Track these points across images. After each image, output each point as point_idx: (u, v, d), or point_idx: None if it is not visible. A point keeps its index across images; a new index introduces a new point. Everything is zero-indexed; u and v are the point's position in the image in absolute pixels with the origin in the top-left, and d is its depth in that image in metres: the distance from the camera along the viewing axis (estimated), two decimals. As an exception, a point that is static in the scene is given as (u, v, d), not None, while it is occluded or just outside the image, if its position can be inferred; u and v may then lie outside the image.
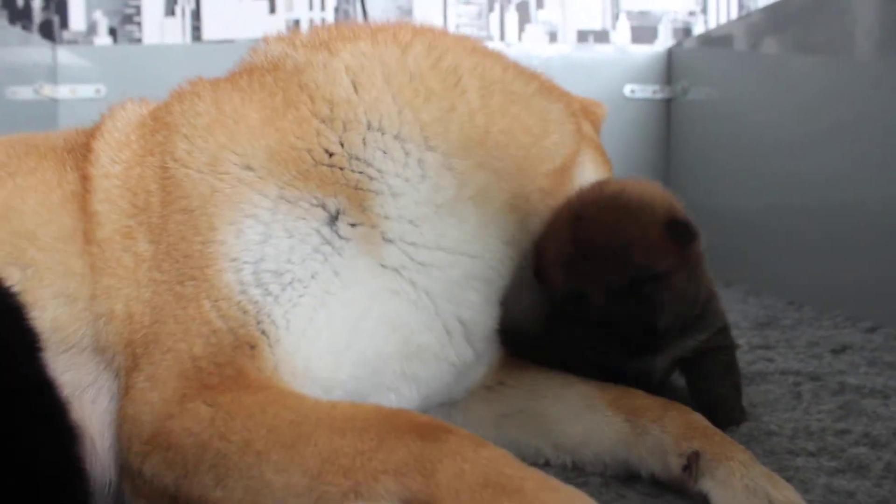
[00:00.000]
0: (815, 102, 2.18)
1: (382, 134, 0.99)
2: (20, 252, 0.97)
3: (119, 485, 0.93)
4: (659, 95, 3.21)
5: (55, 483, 0.71)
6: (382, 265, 0.98)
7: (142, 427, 0.87)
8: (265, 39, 1.13)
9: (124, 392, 0.92)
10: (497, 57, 1.12)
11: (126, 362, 0.93)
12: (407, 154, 0.99)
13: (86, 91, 3.06)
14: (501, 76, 1.08)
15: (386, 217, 0.98)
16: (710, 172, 2.86)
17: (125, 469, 0.89)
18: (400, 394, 1.03)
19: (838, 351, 1.62)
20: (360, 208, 0.97)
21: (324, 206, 0.96)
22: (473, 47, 1.10)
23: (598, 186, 1.12)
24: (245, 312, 0.92)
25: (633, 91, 3.21)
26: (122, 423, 0.90)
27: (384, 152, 0.99)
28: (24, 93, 2.84)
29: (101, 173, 1.01)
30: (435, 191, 1.00)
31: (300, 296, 0.93)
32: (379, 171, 0.98)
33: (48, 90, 2.99)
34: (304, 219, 0.95)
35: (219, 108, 1.00)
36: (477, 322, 1.06)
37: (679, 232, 1.06)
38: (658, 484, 1.01)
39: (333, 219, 0.96)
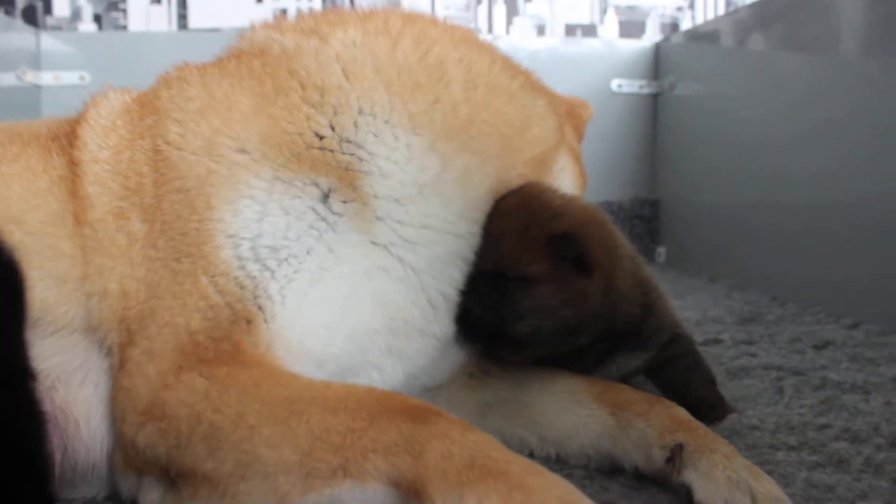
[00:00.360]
0: (800, 99, 2.19)
1: (374, 118, 1.02)
2: (6, 236, 0.97)
3: (109, 462, 0.94)
4: (646, 90, 3.21)
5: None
6: (374, 242, 1.01)
7: (137, 398, 0.89)
8: (252, 26, 1.15)
9: (119, 366, 0.93)
10: (485, 50, 1.14)
11: (120, 338, 0.95)
12: (396, 138, 1.02)
13: (69, 78, 3.03)
14: (487, 69, 1.10)
15: (376, 196, 1.01)
16: (696, 168, 2.87)
17: (118, 441, 0.91)
18: (383, 371, 1.05)
19: (820, 347, 1.64)
20: (350, 187, 1.00)
21: (317, 185, 0.99)
22: (461, 38, 1.12)
23: (537, 185, 1.13)
24: (242, 287, 0.94)
25: (620, 85, 3.22)
26: (117, 395, 0.91)
27: (375, 135, 1.02)
28: (6, 79, 2.81)
29: (90, 158, 1.02)
30: (420, 171, 1.03)
31: (296, 271, 0.96)
32: (370, 153, 1.01)
33: (31, 76, 2.96)
34: (299, 197, 0.98)
35: (209, 93, 1.02)
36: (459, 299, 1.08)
37: (560, 249, 1.04)
38: (641, 477, 1.02)
39: (326, 196, 0.99)
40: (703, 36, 2.94)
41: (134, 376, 0.90)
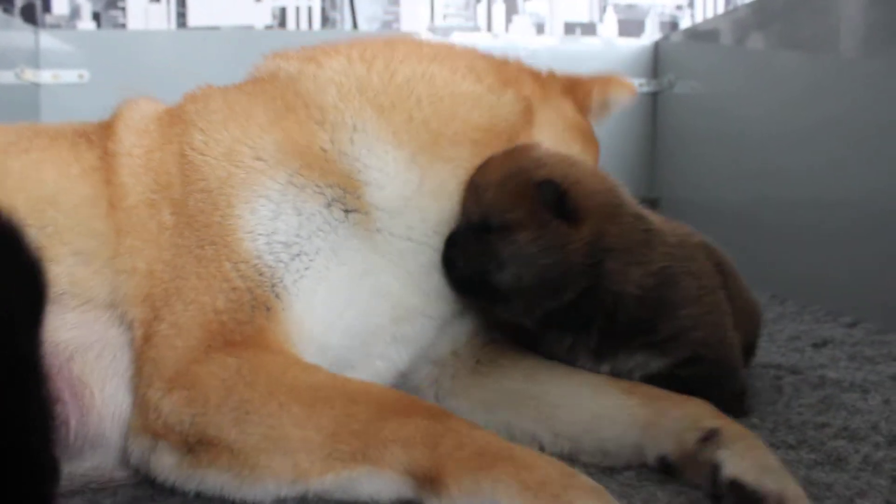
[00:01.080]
0: (799, 98, 2.19)
1: (366, 135, 1.11)
2: (38, 213, 1.05)
3: (118, 431, 1.00)
4: (645, 89, 3.21)
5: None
6: (375, 250, 1.10)
7: (164, 367, 0.96)
8: (263, 57, 1.26)
9: (144, 340, 1.00)
10: (449, 60, 1.20)
11: (144, 314, 1.02)
12: (386, 153, 1.11)
13: (68, 76, 3.03)
14: (450, 79, 1.17)
15: (376, 207, 1.10)
16: (696, 166, 2.87)
17: (139, 406, 0.97)
18: (389, 359, 1.12)
19: (819, 345, 1.64)
20: (354, 195, 1.09)
21: (323, 194, 1.08)
22: (428, 54, 1.20)
23: (525, 143, 1.16)
24: (261, 275, 1.02)
25: (619, 84, 3.21)
26: (143, 366, 0.98)
27: (368, 150, 1.11)
28: (5, 77, 2.81)
29: (125, 151, 1.12)
30: (405, 184, 1.11)
31: (306, 268, 1.04)
32: (365, 165, 1.10)
33: (30, 75, 2.95)
34: (309, 201, 1.07)
35: (230, 107, 1.14)
36: (443, 296, 1.15)
37: (541, 195, 1.05)
38: (640, 475, 1.02)
39: (330, 204, 1.08)
40: (702, 34, 2.94)
41: (161, 348, 0.98)
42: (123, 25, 3.50)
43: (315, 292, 1.04)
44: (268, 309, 1.01)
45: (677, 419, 1.02)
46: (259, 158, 1.08)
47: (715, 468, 0.93)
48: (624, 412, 1.06)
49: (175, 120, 1.15)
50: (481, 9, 3.66)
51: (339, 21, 3.58)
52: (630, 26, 3.70)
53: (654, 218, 1.18)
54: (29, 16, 3.45)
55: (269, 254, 1.03)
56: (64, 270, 1.02)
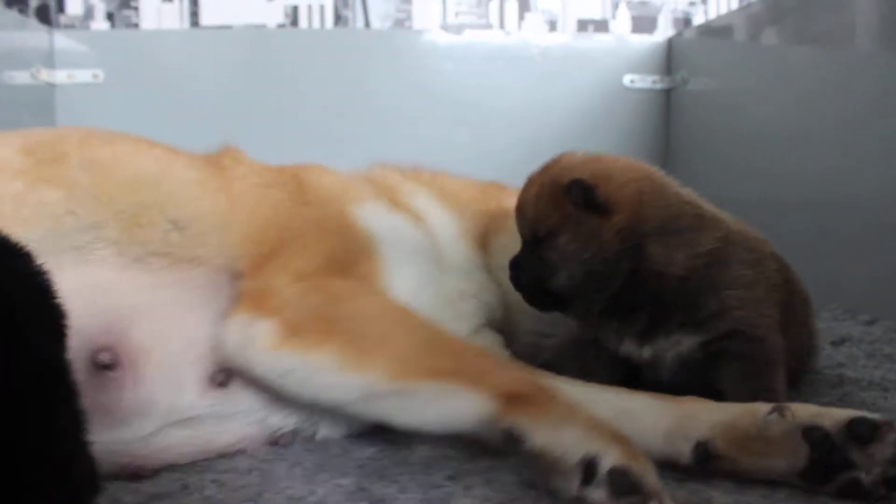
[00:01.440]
0: (814, 95, 2.17)
1: (421, 195, 1.47)
2: (132, 191, 1.15)
3: (174, 392, 1.07)
4: (658, 86, 3.20)
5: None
6: (437, 258, 1.35)
7: (290, 268, 1.11)
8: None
9: (265, 262, 1.13)
10: (459, 181, 1.60)
11: (258, 250, 1.15)
12: (435, 207, 1.46)
13: (83, 76, 3.04)
14: (453, 176, 1.59)
15: (435, 235, 1.38)
16: (709, 164, 2.85)
17: (251, 292, 1.09)
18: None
19: (837, 343, 1.63)
20: (422, 228, 1.38)
21: (405, 217, 1.36)
22: (435, 172, 1.60)
23: (561, 155, 1.21)
24: (369, 240, 1.23)
25: (632, 81, 3.20)
26: (262, 276, 1.11)
27: (424, 203, 1.44)
28: (20, 77, 2.82)
29: (238, 159, 1.30)
30: (447, 228, 1.44)
31: (399, 252, 1.25)
32: (424, 212, 1.43)
33: (45, 75, 2.97)
34: (397, 217, 1.34)
35: (332, 174, 1.40)
36: (489, 289, 1.40)
37: (571, 196, 1.10)
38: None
39: (409, 222, 1.36)
40: (716, 31, 2.92)
41: (281, 266, 1.12)
42: (136, 25, 3.51)
43: (401, 273, 1.22)
44: (371, 260, 1.20)
45: (717, 410, 1.02)
46: (363, 191, 1.36)
47: (810, 428, 0.93)
48: (653, 409, 1.06)
49: (284, 169, 1.35)
50: (493, 6, 3.65)
51: (352, 19, 3.58)
52: (643, 23, 3.68)
53: (726, 216, 1.25)
54: (43, 16, 3.46)
55: (377, 230, 1.25)
56: (157, 236, 1.12)
